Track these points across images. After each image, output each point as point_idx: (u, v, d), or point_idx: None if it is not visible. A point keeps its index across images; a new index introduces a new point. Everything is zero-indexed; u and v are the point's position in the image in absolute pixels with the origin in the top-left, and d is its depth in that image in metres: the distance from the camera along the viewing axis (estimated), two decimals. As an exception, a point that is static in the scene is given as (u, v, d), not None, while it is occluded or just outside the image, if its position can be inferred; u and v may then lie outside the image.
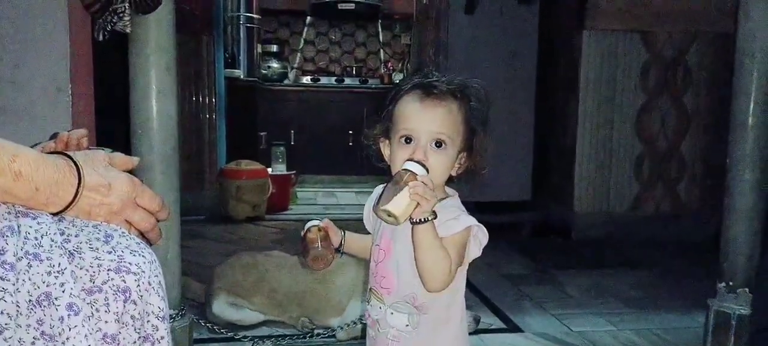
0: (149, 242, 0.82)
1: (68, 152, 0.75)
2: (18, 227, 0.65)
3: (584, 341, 2.00)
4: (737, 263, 1.77)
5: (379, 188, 1.00)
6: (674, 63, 3.38)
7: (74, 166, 0.72)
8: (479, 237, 0.91)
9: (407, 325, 0.89)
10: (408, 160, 0.85)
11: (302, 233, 0.95)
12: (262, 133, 5.20)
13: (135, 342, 0.68)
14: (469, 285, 2.68)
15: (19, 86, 1.50)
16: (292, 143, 5.26)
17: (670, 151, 3.45)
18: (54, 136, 0.97)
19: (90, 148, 0.86)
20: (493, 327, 2.13)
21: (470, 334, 2.02)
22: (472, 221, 0.89)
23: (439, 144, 0.87)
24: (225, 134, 4.46)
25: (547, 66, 3.81)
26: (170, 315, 1.51)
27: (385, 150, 0.95)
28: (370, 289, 0.95)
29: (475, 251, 0.91)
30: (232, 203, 3.81)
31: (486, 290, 2.54)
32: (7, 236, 0.64)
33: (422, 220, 0.82)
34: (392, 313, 0.90)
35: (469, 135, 0.90)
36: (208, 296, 2.04)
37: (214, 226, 3.63)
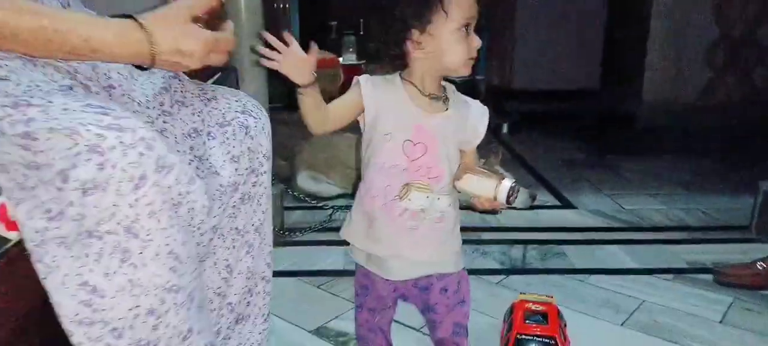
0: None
1: (138, 16, 0.71)
2: (170, 85, 0.88)
3: (634, 217, 2.13)
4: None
5: (377, 78, 0.95)
6: (763, -60, 3.17)
7: (145, 37, 0.70)
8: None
9: (449, 204, 0.97)
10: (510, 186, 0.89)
11: None
12: (332, 23, 5.31)
13: (247, 169, 0.91)
14: (527, 167, 2.81)
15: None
16: (362, 33, 5.33)
17: (747, 38, 3.31)
18: None
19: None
20: (548, 204, 2.29)
21: (526, 209, 2.19)
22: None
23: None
24: (298, 24, 4.59)
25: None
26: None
27: (427, 44, 0.87)
28: (407, 185, 0.92)
29: None
30: (306, 90, 4.03)
31: (545, 173, 2.69)
32: (163, 93, 0.86)
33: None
34: (439, 198, 0.96)
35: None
36: (292, 172, 2.32)
37: (292, 113, 3.87)
